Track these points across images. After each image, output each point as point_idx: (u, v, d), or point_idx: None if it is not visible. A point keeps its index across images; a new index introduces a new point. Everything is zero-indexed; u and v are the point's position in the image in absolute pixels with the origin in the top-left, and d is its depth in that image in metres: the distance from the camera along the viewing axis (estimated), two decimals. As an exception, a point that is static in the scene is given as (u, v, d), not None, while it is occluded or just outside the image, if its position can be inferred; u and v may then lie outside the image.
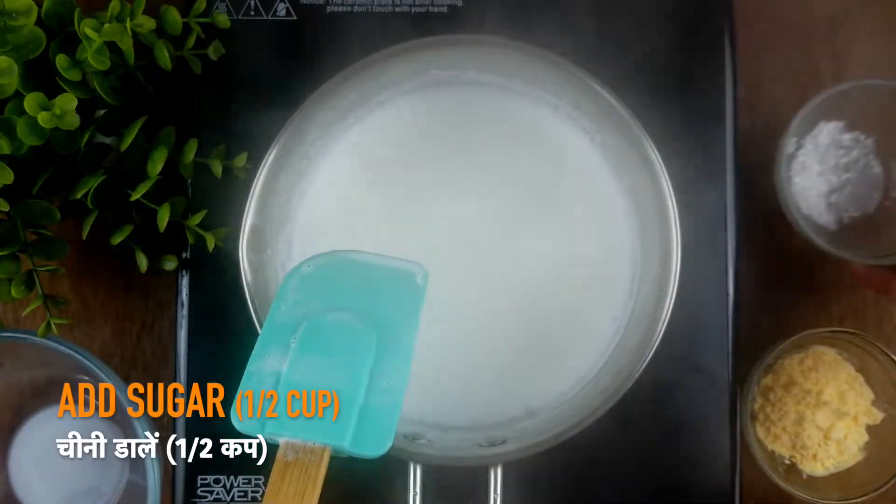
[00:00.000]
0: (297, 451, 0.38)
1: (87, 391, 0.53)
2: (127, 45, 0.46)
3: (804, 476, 0.52)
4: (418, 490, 0.46)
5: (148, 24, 0.46)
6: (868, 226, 0.52)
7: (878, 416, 0.52)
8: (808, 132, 0.52)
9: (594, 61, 0.48)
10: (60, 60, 0.44)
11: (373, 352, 0.40)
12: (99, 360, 0.48)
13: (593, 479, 0.51)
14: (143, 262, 0.50)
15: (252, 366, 0.40)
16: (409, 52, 0.48)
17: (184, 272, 0.52)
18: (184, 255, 0.52)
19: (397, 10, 0.53)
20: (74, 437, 0.53)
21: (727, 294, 0.52)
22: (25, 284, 0.46)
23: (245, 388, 0.39)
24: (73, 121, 0.43)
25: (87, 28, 0.44)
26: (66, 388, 0.52)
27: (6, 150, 0.43)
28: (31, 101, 0.42)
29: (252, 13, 0.54)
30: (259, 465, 0.51)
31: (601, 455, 0.51)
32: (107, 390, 0.47)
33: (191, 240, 0.50)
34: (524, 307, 0.50)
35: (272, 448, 0.50)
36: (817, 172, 0.52)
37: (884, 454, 0.51)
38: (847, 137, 0.52)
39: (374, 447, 0.38)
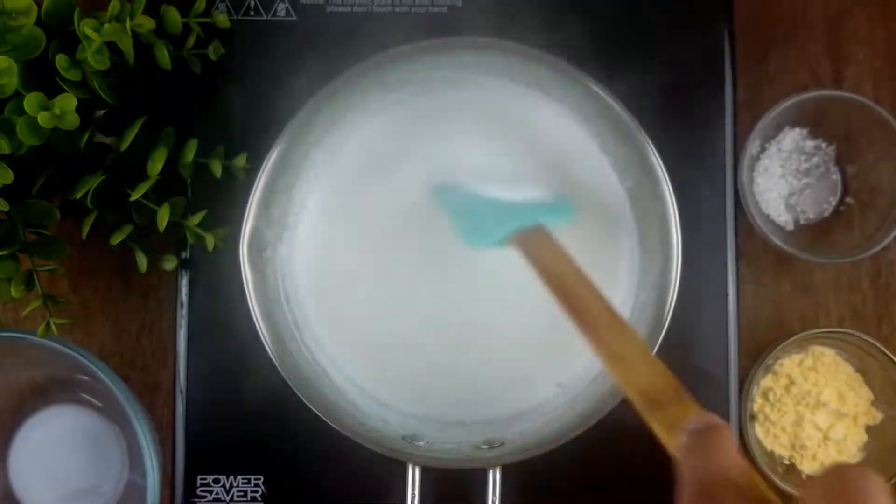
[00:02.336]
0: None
1: (86, 391, 0.53)
2: (127, 44, 0.46)
3: (803, 476, 0.52)
4: (416, 492, 0.46)
5: (148, 23, 0.46)
6: (823, 228, 0.55)
7: (877, 416, 0.52)
8: (773, 136, 0.54)
9: (594, 63, 0.48)
10: (60, 60, 0.44)
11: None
12: (98, 360, 0.48)
13: (592, 481, 0.51)
14: (142, 262, 0.50)
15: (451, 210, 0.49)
16: (409, 55, 0.47)
17: (183, 272, 0.52)
18: (184, 255, 0.52)
19: (397, 10, 0.53)
20: (74, 436, 0.53)
21: (727, 294, 0.52)
22: (25, 284, 0.46)
23: (461, 225, 0.48)
24: (73, 121, 0.43)
25: (86, 28, 0.44)
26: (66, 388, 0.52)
27: (6, 150, 0.43)
28: (30, 101, 0.42)
29: (252, 13, 0.54)
30: (258, 465, 0.52)
31: (600, 457, 0.51)
32: (107, 390, 0.47)
33: (191, 240, 0.51)
34: (522, 307, 0.50)
35: (272, 447, 0.51)
36: (779, 175, 0.54)
37: (883, 455, 0.51)
38: (810, 144, 0.54)
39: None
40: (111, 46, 0.45)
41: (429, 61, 0.48)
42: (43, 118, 0.42)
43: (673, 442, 0.33)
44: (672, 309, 0.46)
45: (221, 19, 0.51)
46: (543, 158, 0.51)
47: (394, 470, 0.47)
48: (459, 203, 0.49)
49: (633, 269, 0.50)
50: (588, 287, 0.41)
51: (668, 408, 0.36)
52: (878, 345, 0.50)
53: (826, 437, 0.51)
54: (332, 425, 0.46)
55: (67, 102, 0.43)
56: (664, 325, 0.46)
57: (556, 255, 0.44)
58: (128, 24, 0.45)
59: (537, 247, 0.44)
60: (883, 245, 0.50)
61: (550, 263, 0.43)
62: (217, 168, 0.50)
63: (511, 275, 0.49)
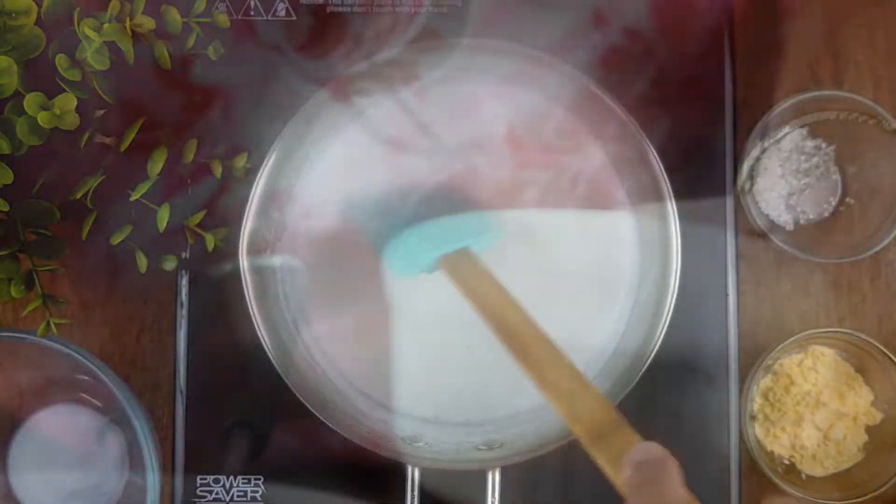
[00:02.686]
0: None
1: (86, 391, 0.53)
2: (126, 45, 0.46)
3: (803, 477, 0.52)
4: (416, 493, 0.46)
5: (147, 23, 0.46)
6: (823, 228, 0.54)
7: (877, 416, 0.52)
8: (773, 136, 0.54)
9: (594, 64, 0.48)
10: (60, 60, 0.44)
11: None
12: (98, 360, 0.48)
13: (592, 482, 0.51)
14: (142, 262, 0.50)
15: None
16: (409, 55, 0.48)
17: (184, 272, 0.52)
18: (184, 255, 0.52)
19: (397, 10, 0.53)
20: (74, 436, 0.53)
21: (727, 294, 0.52)
22: (25, 284, 0.46)
23: (391, 256, 0.48)
24: (73, 121, 0.44)
25: (86, 28, 0.44)
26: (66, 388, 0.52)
27: (6, 149, 0.43)
28: (30, 101, 0.42)
29: (252, 13, 0.54)
30: (258, 465, 0.52)
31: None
32: (107, 390, 0.48)
33: (191, 240, 0.50)
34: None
35: (272, 447, 0.51)
36: (779, 175, 0.53)
37: (883, 455, 0.51)
38: (810, 144, 0.54)
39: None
40: (111, 46, 0.45)
41: (428, 62, 0.48)
42: (43, 118, 0.42)
43: (619, 476, 0.32)
44: (672, 309, 0.46)
45: (221, 19, 0.51)
46: (540, 158, 0.51)
47: (393, 471, 0.47)
48: (385, 234, 0.48)
49: (634, 269, 0.50)
50: (519, 313, 0.40)
51: (610, 438, 0.35)
52: (878, 345, 0.50)
53: (826, 437, 0.51)
54: (331, 426, 0.46)
55: (67, 102, 0.43)
56: (664, 325, 0.46)
57: (485, 280, 0.43)
58: (128, 24, 0.45)
59: (464, 272, 0.44)
60: (883, 245, 0.50)
61: (479, 290, 0.43)
62: (217, 168, 0.50)
63: (511, 285, 0.49)
